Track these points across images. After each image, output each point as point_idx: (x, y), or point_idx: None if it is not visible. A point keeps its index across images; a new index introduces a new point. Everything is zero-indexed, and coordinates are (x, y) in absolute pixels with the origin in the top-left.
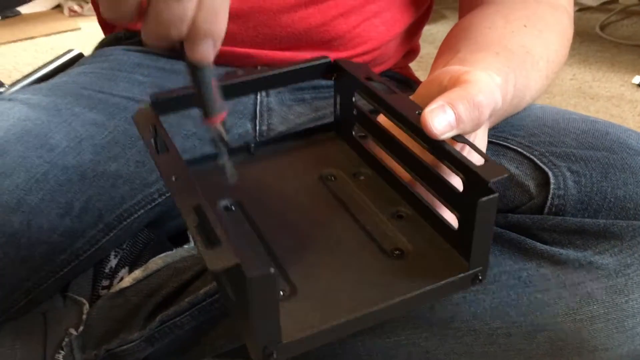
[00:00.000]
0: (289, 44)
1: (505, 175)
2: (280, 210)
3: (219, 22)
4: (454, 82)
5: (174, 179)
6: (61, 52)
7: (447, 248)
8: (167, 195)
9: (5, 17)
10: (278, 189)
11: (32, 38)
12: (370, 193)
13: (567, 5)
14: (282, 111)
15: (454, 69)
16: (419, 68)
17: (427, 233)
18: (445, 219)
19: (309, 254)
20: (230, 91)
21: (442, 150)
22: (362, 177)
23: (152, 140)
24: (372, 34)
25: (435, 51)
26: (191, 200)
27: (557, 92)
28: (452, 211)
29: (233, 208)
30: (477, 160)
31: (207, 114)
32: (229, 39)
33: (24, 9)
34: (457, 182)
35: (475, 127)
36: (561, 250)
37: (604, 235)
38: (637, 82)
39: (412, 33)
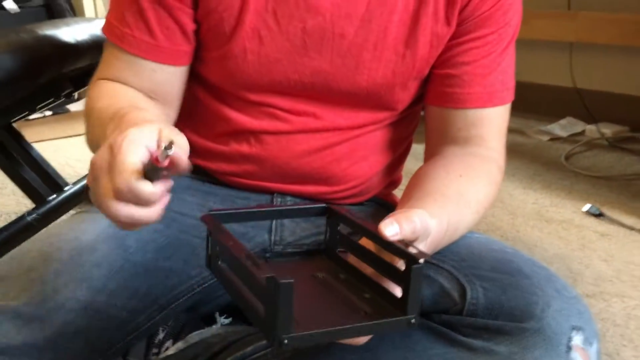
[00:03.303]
0: (296, 180)
1: (429, 256)
2: None
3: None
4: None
5: (231, 243)
6: None
7: (394, 310)
8: (204, 285)
9: (55, 114)
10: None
11: (79, 135)
12: (346, 284)
13: (498, 158)
14: (291, 227)
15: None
16: (405, 180)
17: (382, 304)
18: (393, 293)
19: (307, 312)
20: (259, 215)
21: (393, 247)
22: (341, 276)
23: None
24: (358, 173)
25: (420, 164)
26: (244, 251)
27: (520, 214)
28: (398, 284)
29: None
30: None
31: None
32: (252, 175)
33: (72, 107)
34: (401, 267)
35: (412, 235)
36: (473, 341)
37: (500, 332)
38: (586, 210)
39: (392, 169)
